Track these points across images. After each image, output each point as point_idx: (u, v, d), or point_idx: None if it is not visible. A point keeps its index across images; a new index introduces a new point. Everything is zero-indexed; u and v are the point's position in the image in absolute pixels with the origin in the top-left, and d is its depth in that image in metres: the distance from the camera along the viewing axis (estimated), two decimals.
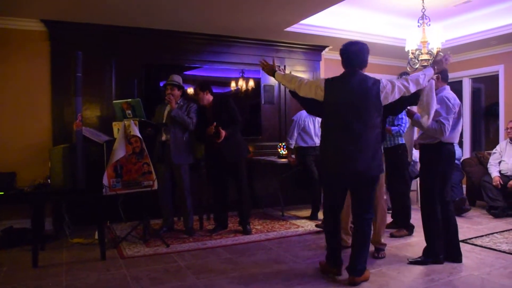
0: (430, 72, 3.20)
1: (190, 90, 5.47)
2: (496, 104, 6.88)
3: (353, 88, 2.99)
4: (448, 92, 3.53)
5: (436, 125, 3.33)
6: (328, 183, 3.22)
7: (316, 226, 4.80)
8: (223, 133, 4.36)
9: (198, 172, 4.93)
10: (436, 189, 3.48)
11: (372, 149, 2.99)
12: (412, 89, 3.07)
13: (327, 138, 3.11)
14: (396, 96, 3.03)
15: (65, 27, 4.97)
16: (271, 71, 3.42)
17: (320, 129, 3.28)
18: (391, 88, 2.99)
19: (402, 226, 4.52)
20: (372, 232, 3.68)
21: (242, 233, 4.62)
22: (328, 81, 3.09)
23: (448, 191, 3.59)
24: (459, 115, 3.49)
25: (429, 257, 3.51)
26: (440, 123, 3.32)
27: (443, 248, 3.52)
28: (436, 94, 3.40)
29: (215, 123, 4.36)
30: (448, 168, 3.52)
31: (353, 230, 3.23)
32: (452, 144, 3.50)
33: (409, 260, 3.56)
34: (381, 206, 3.81)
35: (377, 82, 3.00)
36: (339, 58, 3.19)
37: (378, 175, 3.09)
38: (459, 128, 3.54)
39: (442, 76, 3.55)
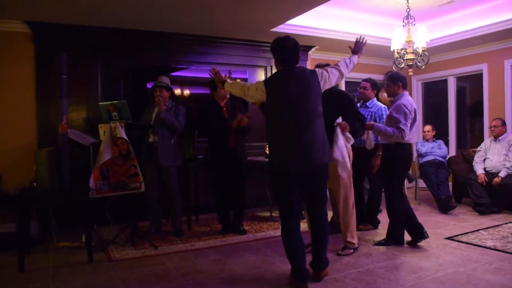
0: (355, 57, 3.42)
1: (178, 91, 5.49)
2: (480, 102, 6.97)
3: (294, 81, 3.00)
4: (405, 98, 3.95)
5: (397, 132, 3.79)
6: (282, 184, 3.04)
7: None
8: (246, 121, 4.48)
9: (186, 174, 4.91)
10: (396, 183, 3.96)
11: (322, 139, 3.00)
12: (344, 70, 3.26)
13: (275, 136, 3.06)
14: (333, 82, 3.18)
15: (50, 28, 4.91)
16: (221, 82, 3.47)
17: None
18: (327, 75, 3.12)
19: (368, 221, 4.74)
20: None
21: (238, 233, 4.61)
22: (267, 81, 3.13)
23: (403, 185, 4.20)
24: (415, 119, 3.92)
25: (392, 239, 4.02)
26: (400, 130, 3.79)
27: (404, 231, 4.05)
28: (395, 101, 3.95)
29: (247, 114, 4.51)
30: (405, 165, 4.00)
31: (311, 227, 3.20)
32: (409, 144, 3.97)
33: (374, 241, 4.11)
34: (346, 204, 3.82)
35: (313, 71, 3.09)
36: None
37: (328, 162, 3.08)
38: (414, 130, 4.00)
39: (402, 84, 4.00)
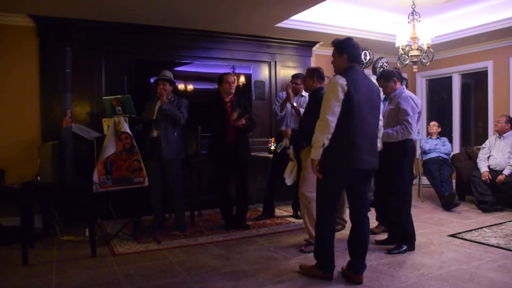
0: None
1: (181, 86, 5.50)
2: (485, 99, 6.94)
3: (366, 83, 3.01)
4: (408, 92, 3.83)
5: (401, 129, 3.63)
6: (340, 180, 3.02)
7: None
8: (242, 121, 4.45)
9: (190, 168, 4.91)
10: (408, 181, 3.80)
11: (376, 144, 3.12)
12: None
13: (347, 132, 2.89)
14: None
15: (54, 23, 4.91)
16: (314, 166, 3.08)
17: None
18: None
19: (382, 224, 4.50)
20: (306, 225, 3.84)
21: (241, 229, 4.60)
22: (348, 78, 2.89)
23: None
24: (419, 113, 3.80)
25: (405, 243, 3.75)
26: (407, 123, 3.62)
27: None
28: (399, 95, 3.78)
29: (247, 116, 4.49)
30: (412, 162, 3.94)
31: (354, 229, 3.10)
32: (412, 140, 3.78)
33: (388, 250, 3.74)
34: (312, 199, 3.71)
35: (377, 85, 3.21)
36: (330, 54, 3.18)
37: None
38: (418, 125, 3.91)
39: (397, 78, 3.83)
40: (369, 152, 2.97)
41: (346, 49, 3.02)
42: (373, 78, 6.41)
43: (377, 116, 3.06)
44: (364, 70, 6.58)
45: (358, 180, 3.05)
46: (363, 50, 6.49)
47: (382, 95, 4.62)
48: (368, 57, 6.63)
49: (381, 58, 6.84)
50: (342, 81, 2.85)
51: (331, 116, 2.83)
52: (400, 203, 3.76)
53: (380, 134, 3.22)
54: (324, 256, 3.08)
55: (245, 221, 4.74)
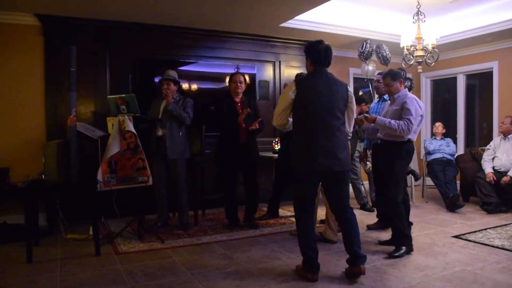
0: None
1: (185, 86, 5.51)
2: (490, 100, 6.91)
3: (326, 84, 3.05)
4: (412, 95, 3.86)
5: (404, 125, 3.60)
6: (303, 181, 3.11)
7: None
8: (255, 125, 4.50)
9: (193, 168, 4.92)
10: (403, 181, 3.86)
11: (346, 145, 3.09)
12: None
13: (302, 134, 3.08)
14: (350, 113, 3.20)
15: (59, 22, 4.93)
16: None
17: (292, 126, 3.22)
18: (353, 103, 3.18)
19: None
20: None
21: (250, 227, 4.64)
22: (298, 82, 3.14)
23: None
24: (422, 116, 3.82)
25: (403, 244, 3.68)
26: (409, 122, 3.60)
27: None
28: (403, 96, 3.79)
29: (249, 109, 4.51)
30: (409, 162, 3.95)
31: (339, 226, 3.22)
32: (412, 142, 3.81)
33: (389, 253, 3.64)
34: None
35: (346, 85, 3.16)
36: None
37: (347, 169, 3.10)
38: (419, 128, 3.89)
39: (402, 79, 3.90)
40: (327, 155, 2.97)
41: (309, 54, 3.17)
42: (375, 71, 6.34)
43: (337, 117, 3.04)
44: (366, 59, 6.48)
45: (325, 183, 3.14)
46: (364, 42, 6.37)
47: (376, 98, 4.66)
48: (367, 49, 6.43)
49: (380, 45, 6.60)
50: (289, 88, 3.11)
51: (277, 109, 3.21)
52: (395, 196, 3.72)
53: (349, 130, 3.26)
54: (304, 254, 3.12)
55: (255, 219, 4.77)
